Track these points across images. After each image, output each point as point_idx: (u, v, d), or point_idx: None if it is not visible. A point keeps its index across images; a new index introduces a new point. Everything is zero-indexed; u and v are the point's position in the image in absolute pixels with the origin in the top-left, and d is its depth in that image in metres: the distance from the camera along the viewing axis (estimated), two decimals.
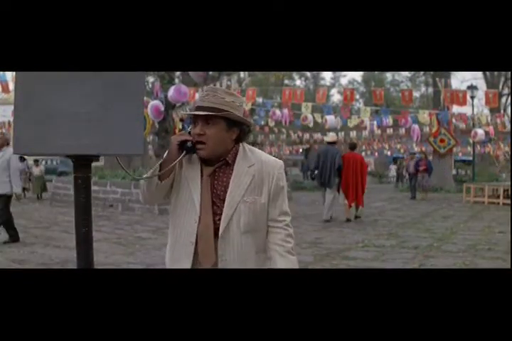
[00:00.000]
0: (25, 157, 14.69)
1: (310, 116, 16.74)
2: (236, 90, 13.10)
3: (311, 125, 18.06)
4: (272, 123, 20.51)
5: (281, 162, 1.93)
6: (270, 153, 2.11)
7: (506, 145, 27.53)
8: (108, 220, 9.76)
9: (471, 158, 24.38)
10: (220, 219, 1.81)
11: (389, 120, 18.44)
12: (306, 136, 29.12)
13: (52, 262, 5.83)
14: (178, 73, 17.35)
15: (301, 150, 35.95)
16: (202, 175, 1.84)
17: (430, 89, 29.52)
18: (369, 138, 29.40)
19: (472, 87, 19.28)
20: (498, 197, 14.14)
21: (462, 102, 14.19)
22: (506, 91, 34.10)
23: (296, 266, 1.86)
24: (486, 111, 25.68)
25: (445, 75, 17.52)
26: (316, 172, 9.91)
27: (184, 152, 1.79)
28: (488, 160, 30.51)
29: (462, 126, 19.85)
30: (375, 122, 19.19)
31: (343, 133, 26.04)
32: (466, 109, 19.42)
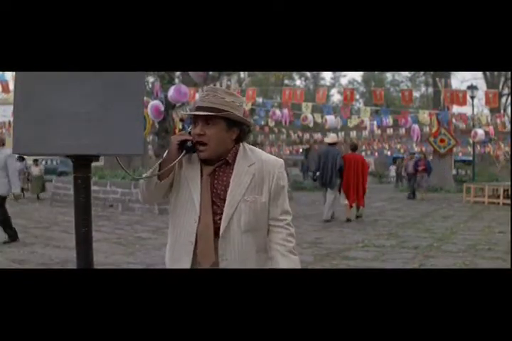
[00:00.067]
0: (25, 157, 14.70)
1: (310, 116, 16.74)
2: (236, 90, 13.10)
3: (311, 125, 18.06)
4: (272, 123, 20.51)
5: (281, 161, 1.93)
6: (270, 153, 2.11)
7: (506, 145, 27.53)
8: (108, 220, 9.76)
9: (471, 158, 24.38)
10: (220, 219, 1.81)
11: (389, 120, 18.44)
12: (306, 136, 29.12)
13: (52, 262, 5.83)
14: (178, 73, 17.35)
15: (301, 150, 35.93)
16: (202, 175, 1.84)
17: (430, 89, 29.53)
18: (369, 138, 29.39)
19: (472, 87, 19.27)
20: (498, 197, 14.14)
21: (462, 102, 14.19)
22: (506, 91, 34.10)
23: (298, 266, 1.86)
24: (486, 111, 25.70)
25: (445, 75, 17.52)
26: (317, 173, 9.94)
27: (184, 152, 1.79)
28: (488, 160, 30.51)
29: (462, 126, 19.85)
30: (375, 122, 19.19)
31: (343, 133, 26.04)
32: (466, 109, 19.44)
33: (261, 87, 22.74)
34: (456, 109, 18.24)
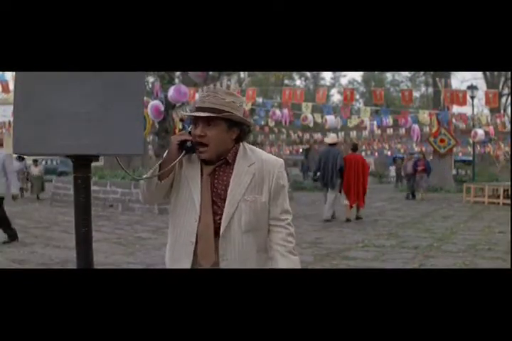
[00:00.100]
0: (24, 157, 14.70)
1: (310, 116, 16.74)
2: (236, 90, 13.10)
3: (311, 125, 18.05)
4: (272, 123, 20.50)
5: (281, 161, 1.93)
6: (270, 153, 2.11)
7: (506, 145, 27.52)
8: (108, 220, 9.76)
9: (471, 158, 24.38)
10: (220, 219, 1.81)
11: (389, 120, 18.43)
12: (306, 136, 29.11)
13: (52, 262, 5.83)
14: (178, 73, 17.34)
15: (301, 150, 35.92)
16: (202, 175, 1.84)
17: (430, 89, 29.53)
18: (369, 138, 29.37)
19: (472, 87, 19.27)
20: (498, 197, 14.14)
21: (462, 102, 14.18)
22: (506, 91, 34.11)
23: (298, 266, 1.86)
24: (486, 111, 25.70)
25: (445, 75, 17.52)
26: (318, 173, 9.96)
27: (184, 152, 1.79)
28: (488, 160, 30.51)
29: (462, 126, 19.84)
30: (375, 122, 19.18)
31: (343, 133, 26.03)
32: (466, 109, 19.43)
33: (261, 87, 22.73)
34: (456, 109, 18.25)
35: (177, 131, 13.18)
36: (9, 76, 12.75)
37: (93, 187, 8.69)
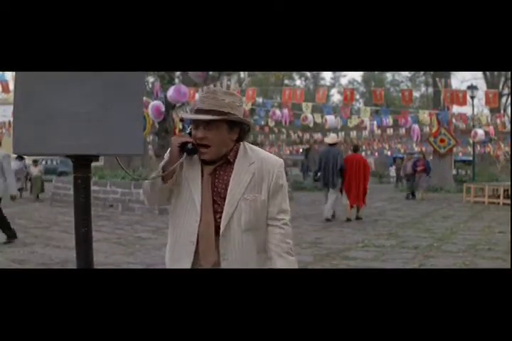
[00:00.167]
0: (24, 156, 14.70)
1: (310, 116, 16.74)
2: (236, 90, 13.10)
3: (311, 125, 18.05)
4: (272, 123, 20.50)
5: (281, 160, 1.94)
6: (270, 153, 2.13)
7: (506, 145, 27.52)
8: (108, 220, 9.76)
9: (471, 158, 24.37)
10: (220, 217, 1.81)
11: (389, 120, 18.44)
12: (306, 136, 29.11)
13: (52, 262, 5.83)
14: (178, 73, 17.35)
15: (301, 150, 35.92)
16: (203, 175, 1.85)
17: (430, 89, 29.52)
18: (369, 138, 29.38)
19: (472, 87, 19.27)
20: (498, 197, 14.14)
21: (462, 102, 14.19)
22: (506, 91, 34.09)
23: (295, 267, 1.86)
24: (486, 111, 25.69)
25: (445, 75, 17.51)
26: (319, 174, 9.97)
27: (185, 154, 1.79)
28: (488, 160, 30.50)
29: (462, 126, 19.84)
30: (375, 122, 19.19)
31: (343, 133, 26.04)
32: (466, 109, 19.44)
33: (261, 87, 22.72)
34: (456, 109, 18.27)
35: (177, 131, 13.18)
36: (9, 76, 12.75)
37: (93, 187, 8.70)
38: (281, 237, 1.86)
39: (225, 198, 1.82)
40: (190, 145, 1.79)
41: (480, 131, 17.77)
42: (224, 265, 1.80)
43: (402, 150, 31.88)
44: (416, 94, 35.86)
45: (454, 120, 18.32)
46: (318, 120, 17.68)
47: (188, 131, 1.88)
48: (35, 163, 16.17)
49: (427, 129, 20.22)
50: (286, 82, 41.11)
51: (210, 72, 13.68)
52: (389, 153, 34.16)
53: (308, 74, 45.47)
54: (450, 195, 17.10)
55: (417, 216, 11.09)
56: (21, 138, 1.40)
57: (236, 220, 1.80)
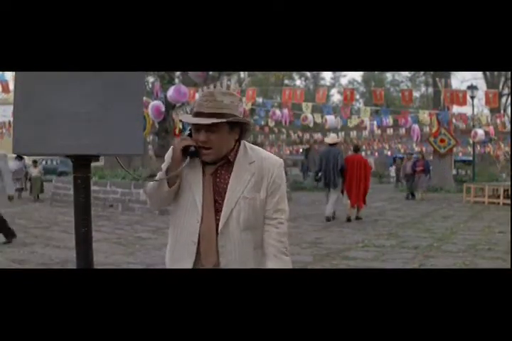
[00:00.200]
0: (24, 156, 14.69)
1: (310, 116, 16.74)
2: (236, 90, 13.10)
3: (311, 125, 18.05)
4: (272, 123, 20.49)
5: (281, 160, 1.95)
6: (270, 153, 2.13)
7: (506, 145, 27.51)
8: (108, 220, 9.76)
9: (471, 158, 24.37)
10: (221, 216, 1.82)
11: (389, 120, 18.43)
12: (306, 136, 29.10)
13: (52, 262, 5.83)
14: (178, 73, 17.33)
15: (301, 150, 35.92)
16: (204, 175, 1.85)
17: (430, 89, 29.52)
18: (369, 138, 29.38)
19: (472, 87, 19.27)
20: (498, 197, 14.13)
21: (462, 102, 14.18)
22: (506, 91, 34.08)
23: (289, 267, 1.86)
24: (486, 111, 25.69)
25: (445, 75, 17.51)
26: (319, 174, 9.97)
27: (188, 158, 1.79)
28: (488, 160, 30.49)
29: (462, 126, 19.84)
30: (375, 122, 19.18)
31: (343, 133, 26.03)
32: (466, 109, 19.43)
33: (261, 87, 22.71)
34: (456, 109, 18.25)
35: (177, 131, 13.18)
36: (9, 76, 12.75)
37: (93, 187, 8.69)
38: (276, 236, 1.86)
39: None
40: (192, 149, 1.79)
41: (480, 131, 17.76)
42: (223, 263, 1.81)
43: (402, 150, 31.87)
44: (416, 94, 35.88)
45: (454, 120, 18.31)
46: (318, 120, 17.68)
47: (187, 132, 1.88)
48: (35, 163, 16.14)
49: (427, 129, 20.21)
50: (286, 82, 41.09)
51: (210, 72, 13.67)
52: (389, 153, 34.15)
53: (308, 74, 45.45)
54: (450, 195, 17.10)
55: (417, 216, 11.09)
56: (21, 138, 1.40)
57: (235, 218, 1.81)
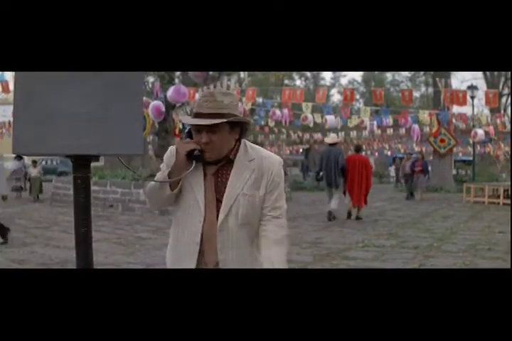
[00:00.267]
0: (24, 156, 14.68)
1: (310, 116, 16.73)
2: (236, 90, 13.10)
3: (311, 125, 18.04)
4: (272, 123, 20.48)
5: (280, 159, 1.97)
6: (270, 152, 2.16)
7: (506, 145, 27.51)
8: (108, 220, 9.76)
9: (471, 158, 24.37)
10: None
11: (389, 120, 18.42)
12: (306, 136, 29.10)
13: (52, 262, 5.83)
14: (178, 73, 17.33)
15: (301, 150, 35.93)
16: (205, 175, 1.85)
17: (430, 89, 29.51)
18: (369, 138, 29.37)
19: (472, 87, 19.27)
20: (498, 197, 14.13)
21: (462, 102, 14.17)
22: (506, 91, 34.08)
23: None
24: (486, 111, 25.68)
25: (445, 75, 17.50)
26: (321, 173, 9.98)
27: (194, 162, 1.79)
28: (488, 160, 30.49)
29: (462, 126, 19.83)
30: (375, 122, 19.17)
31: (343, 133, 26.02)
32: (466, 109, 19.42)
33: (261, 87, 22.70)
34: (456, 109, 18.24)
35: (177, 131, 13.17)
36: (9, 76, 12.74)
37: (93, 187, 8.70)
38: (273, 227, 1.87)
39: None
40: (197, 152, 1.79)
41: (480, 131, 17.76)
42: (221, 258, 1.81)
43: (402, 150, 31.87)
44: (416, 94, 35.84)
45: (454, 120, 18.30)
46: (318, 120, 17.67)
47: (188, 130, 1.88)
48: (34, 163, 16.13)
49: (427, 129, 20.21)
50: (286, 82, 41.10)
51: (210, 72, 13.67)
52: (389, 153, 34.15)
53: (308, 74, 45.44)
54: (450, 195, 17.10)
55: (417, 216, 11.09)
56: (21, 138, 1.40)
57: (234, 214, 1.82)
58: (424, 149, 26.65)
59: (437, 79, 17.51)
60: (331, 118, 17.03)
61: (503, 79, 32.83)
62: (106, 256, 6.06)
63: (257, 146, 1.96)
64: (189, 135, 1.87)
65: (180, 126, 13.02)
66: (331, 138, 10.90)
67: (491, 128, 19.77)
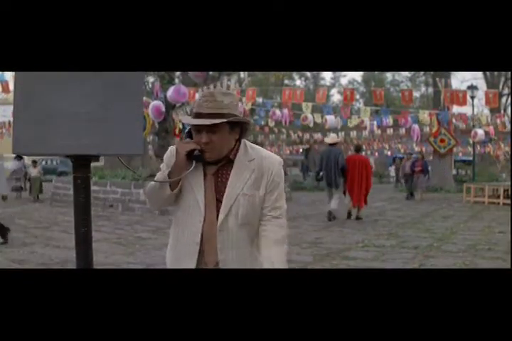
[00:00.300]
0: (24, 156, 14.68)
1: (310, 116, 16.73)
2: (236, 90, 13.10)
3: (311, 125, 18.04)
4: (272, 123, 20.48)
5: (280, 159, 1.97)
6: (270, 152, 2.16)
7: (506, 145, 27.51)
8: (108, 220, 9.76)
9: (471, 158, 24.37)
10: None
11: (389, 120, 18.42)
12: (306, 136, 29.10)
13: (52, 262, 5.83)
14: (178, 73, 17.33)
15: (301, 150, 35.93)
16: (205, 175, 1.85)
17: (430, 89, 29.51)
18: (369, 138, 29.37)
19: (472, 87, 19.27)
20: (498, 197, 14.13)
21: (462, 102, 14.17)
22: (506, 91, 34.09)
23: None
24: (486, 111, 25.68)
25: (445, 75, 17.51)
26: (321, 173, 9.98)
27: (194, 163, 1.79)
28: (488, 160, 30.49)
29: (462, 126, 19.83)
30: (375, 122, 19.17)
31: (343, 133, 26.02)
32: (466, 109, 19.42)
33: (261, 87, 22.70)
34: (456, 109, 18.24)
35: (177, 131, 13.17)
36: (9, 76, 12.74)
37: (93, 187, 8.70)
38: (273, 227, 1.87)
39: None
40: (197, 152, 1.79)
41: (480, 131, 17.76)
42: (222, 258, 1.81)
43: (402, 150, 31.86)
44: (416, 94, 35.84)
45: (454, 120, 18.30)
46: (318, 120, 17.67)
47: (187, 130, 1.88)
48: (34, 163, 16.12)
49: (427, 129, 20.21)
50: (286, 82, 41.10)
51: (210, 72, 13.66)
52: (389, 153, 34.16)
53: (308, 74, 45.44)
54: (450, 195, 17.10)
55: (417, 216, 11.10)
56: (21, 138, 1.40)
57: (234, 214, 1.82)
58: (424, 149, 26.65)
59: (437, 79, 17.51)
60: (331, 119, 17.03)
61: (503, 79, 32.84)
62: (106, 256, 6.06)
63: (257, 146, 1.96)
64: (189, 135, 1.87)
65: (180, 126, 13.02)
66: (331, 138, 10.91)
67: (491, 128, 19.77)
